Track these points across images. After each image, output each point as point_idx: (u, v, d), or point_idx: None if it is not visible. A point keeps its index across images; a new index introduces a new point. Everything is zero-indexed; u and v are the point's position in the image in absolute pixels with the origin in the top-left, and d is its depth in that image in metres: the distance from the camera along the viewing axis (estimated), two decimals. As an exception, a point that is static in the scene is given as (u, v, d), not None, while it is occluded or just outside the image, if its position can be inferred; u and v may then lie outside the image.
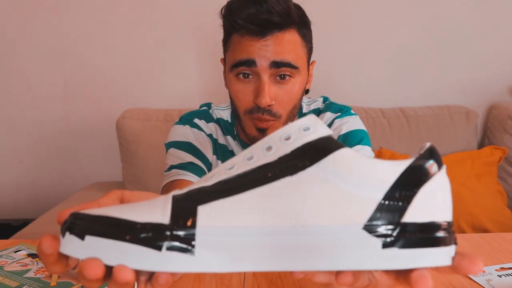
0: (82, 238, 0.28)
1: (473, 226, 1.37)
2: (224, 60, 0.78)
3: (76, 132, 1.67)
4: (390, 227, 0.28)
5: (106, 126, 1.63)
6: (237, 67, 0.70)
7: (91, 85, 1.63)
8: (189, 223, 0.28)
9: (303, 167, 0.29)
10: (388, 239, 0.28)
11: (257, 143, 0.31)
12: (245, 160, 0.31)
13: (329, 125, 0.81)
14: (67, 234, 0.29)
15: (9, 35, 1.59)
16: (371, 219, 0.28)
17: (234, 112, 0.77)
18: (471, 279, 0.56)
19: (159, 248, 0.28)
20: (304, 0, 0.80)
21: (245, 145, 0.84)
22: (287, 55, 0.68)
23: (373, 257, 0.28)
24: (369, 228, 0.28)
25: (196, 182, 0.32)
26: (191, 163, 0.77)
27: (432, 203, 0.29)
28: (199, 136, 0.83)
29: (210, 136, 0.84)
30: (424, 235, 0.28)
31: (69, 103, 1.64)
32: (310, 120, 0.31)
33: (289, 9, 0.66)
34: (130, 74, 1.62)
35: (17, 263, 0.61)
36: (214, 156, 0.84)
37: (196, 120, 0.85)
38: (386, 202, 0.28)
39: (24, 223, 1.39)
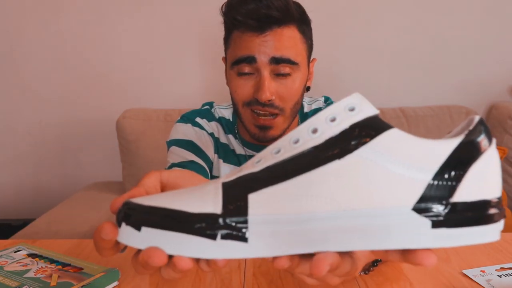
0: (139, 229, 0.29)
1: (473, 226, 1.37)
2: (225, 59, 0.79)
3: (76, 132, 1.67)
4: (440, 207, 0.28)
5: (106, 126, 1.63)
6: (238, 64, 0.70)
7: (91, 85, 1.63)
8: (241, 212, 0.29)
9: (350, 150, 0.28)
10: (438, 219, 0.28)
11: (301, 125, 0.30)
12: (291, 144, 0.30)
13: None
14: (123, 224, 0.30)
15: (9, 36, 1.59)
16: (420, 200, 0.28)
17: (234, 108, 0.78)
18: (471, 279, 0.56)
19: (213, 237, 0.28)
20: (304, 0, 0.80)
21: (246, 143, 0.84)
22: (287, 51, 0.69)
23: (423, 237, 0.28)
24: (419, 209, 0.28)
25: (242, 166, 0.32)
26: (192, 161, 0.77)
27: (483, 181, 0.29)
28: (201, 135, 0.83)
29: (211, 135, 0.85)
30: (474, 214, 0.28)
31: (69, 103, 1.64)
32: (355, 99, 0.30)
33: (288, 5, 0.67)
34: (130, 74, 1.62)
35: (17, 263, 0.61)
36: (216, 155, 0.84)
37: (198, 119, 0.85)
38: (436, 183, 0.28)
39: (24, 223, 1.39)
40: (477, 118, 0.30)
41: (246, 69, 0.70)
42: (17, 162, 1.70)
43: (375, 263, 0.55)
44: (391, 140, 0.28)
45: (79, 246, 0.70)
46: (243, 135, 0.84)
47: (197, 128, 0.84)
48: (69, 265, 0.60)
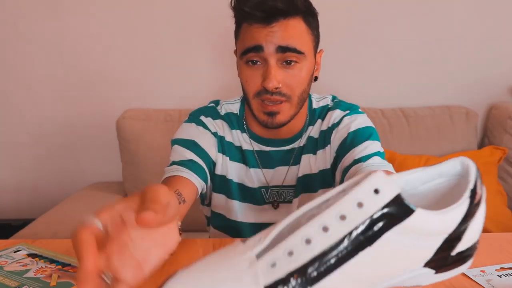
0: None
1: (473, 226, 1.37)
2: (236, 51, 0.82)
3: (76, 132, 1.67)
4: (443, 260, 0.35)
5: (106, 126, 1.63)
6: (246, 53, 0.74)
7: (91, 85, 1.63)
8: None
9: (379, 236, 0.31)
10: (439, 267, 0.35)
11: (329, 211, 0.31)
12: (320, 231, 0.31)
13: (339, 122, 0.83)
14: None
15: (9, 35, 1.59)
16: (430, 260, 0.34)
17: (245, 98, 0.80)
18: (471, 279, 0.56)
19: None
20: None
21: (254, 136, 0.85)
22: (293, 40, 0.72)
23: (427, 279, 0.35)
24: (427, 265, 0.34)
25: (269, 252, 0.32)
26: (191, 160, 0.79)
27: (473, 231, 0.35)
28: (204, 134, 0.84)
29: (215, 134, 0.86)
30: (465, 257, 0.36)
31: (69, 103, 1.64)
32: (378, 180, 0.31)
33: None
34: (130, 74, 1.62)
35: (17, 263, 0.61)
36: (220, 154, 0.86)
37: (202, 117, 0.87)
38: (444, 245, 0.34)
39: (24, 223, 1.39)
40: (474, 172, 0.35)
41: (254, 58, 0.74)
42: (17, 162, 1.70)
43: None
44: (415, 221, 0.31)
45: (79, 246, 0.70)
46: (251, 128, 0.86)
47: (200, 127, 0.85)
48: (69, 265, 0.60)
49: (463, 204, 0.33)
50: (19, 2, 1.56)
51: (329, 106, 0.87)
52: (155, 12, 1.56)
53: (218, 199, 0.88)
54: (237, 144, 0.86)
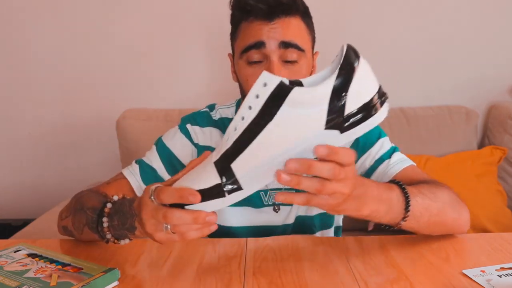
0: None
1: (473, 226, 1.37)
2: (232, 54, 0.81)
3: (76, 132, 1.67)
4: (340, 122, 0.44)
5: (106, 126, 1.63)
6: (247, 51, 0.73)
7: (91, 85, 1.63)
8: (231, 176, 0.47)
9: (276, 111, 0.44)
10: (342, 128, 0.44)
11: (242, 105, 0.45)
12: (240, 121, 0.46)
13: None
14: None
15: (9, 35, 1.59)
16: (327, 122, 0.44)
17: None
18: (471, 279, 0.56)
19: (224, 195, 0.48)
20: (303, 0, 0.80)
21: None
22: (294, 37, 0.72)
23: (336, 140, 0.45)
24: (328, 126, 0.44)
25: (220, 144, 0.48)
26: (153, 169, 0.83)
27: (360, 91, 0.44)
28: (185, 145, 0.85)
29: (196, 145, 0.86)
30: (363, 114, 0.44)
31: (69, 103, 1.64)
32: (264, 76, 0.44)
33: None
34: (130, 74, 1.62)
35: (17, 263, 0.61)
36: None
37: (189, 126, 0.87)
38: (331, 108, 0.43)
39: (24, 223, 1.39)
40: (345, 48, 0.45)
41: (256, 56, 0.73)
42: (17, 162, 1.70)
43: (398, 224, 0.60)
44: (296, 95, 0.43)
45: (79, 246, 0.70)
46: None
47: (184, 136, 0.86)
48: (69, 265, 0.60)
49: (330, 79, 0.43)
50: (19, 3, 1.56)
51: None
52: (155, 11, 1.56)
53: None
54: None
